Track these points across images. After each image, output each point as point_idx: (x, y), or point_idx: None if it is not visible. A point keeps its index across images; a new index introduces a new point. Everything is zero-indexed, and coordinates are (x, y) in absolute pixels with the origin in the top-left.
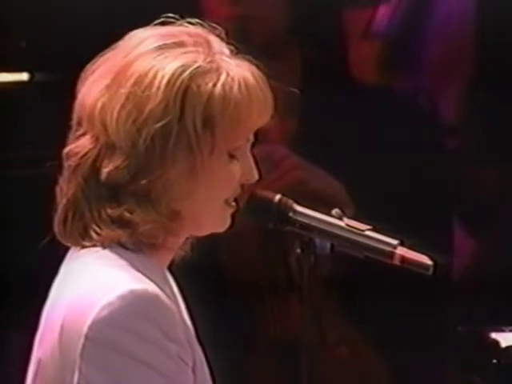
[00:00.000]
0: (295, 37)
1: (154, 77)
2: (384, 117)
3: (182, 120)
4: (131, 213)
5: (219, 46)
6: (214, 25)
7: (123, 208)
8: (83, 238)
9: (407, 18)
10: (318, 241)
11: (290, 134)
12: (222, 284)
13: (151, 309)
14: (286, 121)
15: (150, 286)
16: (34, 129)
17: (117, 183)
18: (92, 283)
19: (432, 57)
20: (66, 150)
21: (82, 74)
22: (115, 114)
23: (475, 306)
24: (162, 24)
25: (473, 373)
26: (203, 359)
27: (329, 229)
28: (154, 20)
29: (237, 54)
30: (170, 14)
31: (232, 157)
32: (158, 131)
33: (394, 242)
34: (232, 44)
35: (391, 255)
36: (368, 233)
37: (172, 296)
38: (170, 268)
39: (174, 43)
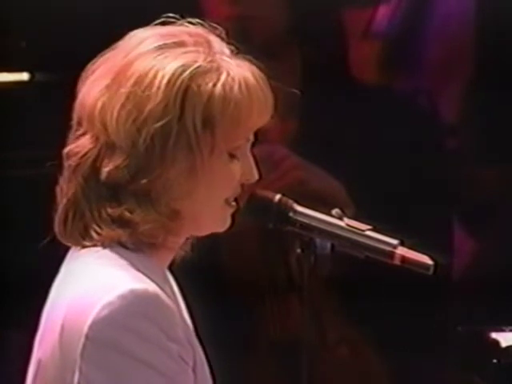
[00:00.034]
0: (295, 37)
1: (155, 76)
2: (384, 117)
3: (182, 120)
4: (131, 212)
5: (220, 46)
6: (215, 25)
7: (123, 208)
8: (83, 238)
9: (407, 17)
10: (318, 241)
11: (290, 133)
12: (222, 284)
13: (151, 308)
14: (286, 121)
15: (151, 286)
16: (33, 129)
17: (117, 183)
18: (92, 283)
19: (432, 57)
20: (66, 150)
21: (83, 74)
22: (115, 114)
23: (475, 305)
24: (163, 24)
25: (473, 373)
26: (203, 359)
27: (329, 229)
28: (154, 20)
29: (237, 54)
30: (171, 14)
31: (232, 156)
32: (157, 131)
33: (395, 241)
34: (232, 44)
35: (391, 255)
36: (368, 233)
37: (172, 295)
38: (170, 268)
39: (174, 43)
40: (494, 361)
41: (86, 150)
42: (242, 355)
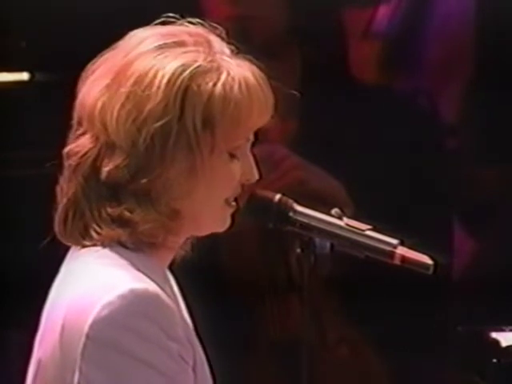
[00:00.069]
0: (295, 37)
1: (155, 76)
2: (384, 117)
3: (182, 119)
4: (131, 212)
5: (220, 46)
6: (215, 25)
7: (123, 207)
8: (84, 238)
9: (407, 17)
10: (318, 240)
11: (290, 133)
12: (222, 284)
13: (151, 308)
14: (286, 121)
15: (151, 286)
16: (33, 129)
17: (117, 182)
18: (92, 283)
19: (432, 57)
20: (66, 150)
21: (83, 74)
22: (115, 114)
23: (475, 305)
24: (163, 24)
25: (473, 373)
26: (203, 358)
27: (329, 228)
28: (154, 20)
29: (237, 53)
30: (171, 14)
31: (232, 156)
32: (157, 130)
33: (395, 241)
34: (232, 44)
35: (391, 255)
36: (368, 232)
37: (172, 295)
38: (170, 267)
39: (174, 43)
40: (494, 361)
41: (86, 149)
42: (241, 355)
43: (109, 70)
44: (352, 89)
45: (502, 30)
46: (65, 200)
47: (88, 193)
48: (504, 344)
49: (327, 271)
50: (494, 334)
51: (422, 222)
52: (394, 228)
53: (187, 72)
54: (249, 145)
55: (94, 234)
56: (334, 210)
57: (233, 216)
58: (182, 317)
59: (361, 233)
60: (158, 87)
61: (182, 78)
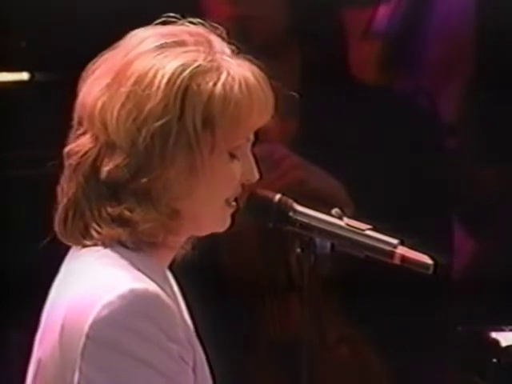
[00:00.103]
0: (295, 37)
1: (155, 76)
2: (384, 117)
3: (182, 119)
4: (131, 211)
5: (220, 46)
6: (215, 24)
7: (123, 207)
8: (84, 237)
9: (407, 17)
10: (318, 240)
11: (290, 133)
12: (222, 284)
13: (152, 308)
14: (286, 120)
15: (151, 286)
16: (33, 129)
17: (117, 182)
18: (93, 283)
19: (432, 57)
20: (66, 149)
21: (83, 74)
22: (115, 113)
23: (475, 305)
24: (163, 24)
25: (473, 373)
26: (204, 359)
27: (329, 228)
28: (154, 20)
29: (238, 53)
30: (171, 14)
31: (232, 156)
32: (157, 130)
33: (395, 241)
34: (233, 44)
35: (391, 254)
36: (368, 232)
37: (172, 295)
38: (170, 267)
39: (174, 42)
40: (494, 360)
41: (86, 149)
42: (241, 355)
43: (109, 70)
44: (352, 89)
45: (502, 30)
46: (65, 200)
47: (88, 192)
48: (504, 344)
49: (327, 271)
50: (493, 334)
51: (421, 222)
52: (394, 228)
53: (187, 72)
54: (249, 145)
55: (94, 234)
56: (335, 210)
57: (233, 216)
58: (182, 317)
59: (361, 233)
60: (158, 87)
61: (182, 77)
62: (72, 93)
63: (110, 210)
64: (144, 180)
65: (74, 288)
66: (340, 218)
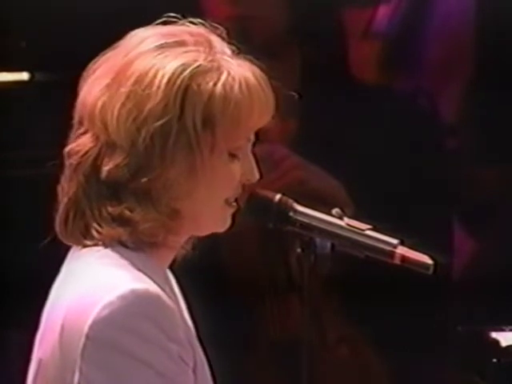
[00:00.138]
0: (295, 37)
1: (155, 76)
2: (384, 117)
3: (182, 119)
4: (131, 211)
5: (221, 46)
6: (216, 25)
7: (123, 206)
8: (85, 237)
9: (407, 17)
10: (318, 240)
11: (290, 133)
12: (222, 284)
13: (152, 309)
14: (286, 120)
15: (151, 286)
16: (33, 129)
17: (117, 181)
18: (93, 283)
19: (432, 57)
20: (67, 149)
21: (84, 74)
22: (115, 113)
23: (475, 306)
24: (164, 24)
25: (473, 373)
26: (204, 359)
27: (329, 228)
28: (154, 20)
29: (238, 54)
30: (172, 14)
31: (233, 156)
32: (157, 130)
33: (395, 241)
34: (233, 44)
35: (392, 254)
36: (368, 232)
37: (173, 296)
38: (171, 267)
39: (174, 42)
40: (494, 360)
41: (86, 148)
42: (241, 355)
43: (109, 70)
44: (352, 89)
45: (502, 30)
46: (65, 199)
47: (88, 192)
48: (504, 344)
49: (327, 271)
50: (493, 334)
51: (421, 222)
52: (394, 228)
53: (187, 71)
54: (249, 145)
55: (94, 233)
56: (335, 210)
57: (233, 216)
58: (182, 318)
59: (361, 232)
60: (158, 87)
61: (182, 77)
62: (72, 93)
63: (110, 209)
64: (144, 180)
65: (74, 288)
66: (340, 218)
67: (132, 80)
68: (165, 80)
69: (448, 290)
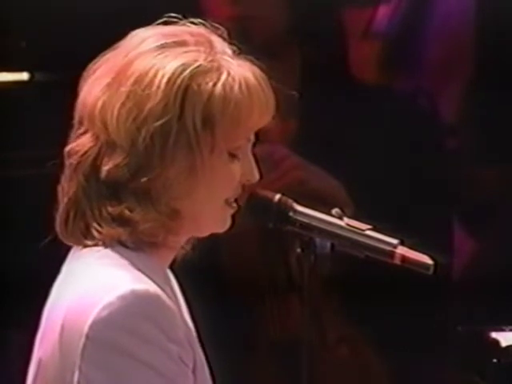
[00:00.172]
0: (295, 37)
1: (155, 75)
2: (384, 117)
3: (182, 119)
4: (131, 211)
5: (221, 46)
6: (216, 25)
7: (123, 206)
8: (85, 237)
9: (407, 17)
10: (318, 240)
11: (290, 133)
12: (222, 284)
13: (152, 309)
14: (286, 121)
15: (151, 286)
16: (34, 129)
17: (117, 181)
18: (93, 283)
19: (432, 57)
20: (67, 149)
21: (84, 73)
22: (115, 113)
23: (475, 305)
24: (165, 24)
25: (473, 373)
26: (204, 360)
27: (329, 228)
28: (154, 20)
29: (239, 54)
30: (173, 14)
31: (233, 156)
32: (157, 130)
33: (395, 241)
34: (234, 44)
35: (392, 254)
36: (368, 232)
37: (173, 296)
38: (171, 267)
39: (175, 42)
40: (494, 361)
41: (86, 148)
42: (242, 355)
43: (110, 70)
44: (352, 89)
45: (502, 30)
46: (66, 199)
47: (88, 192)
48: (504, 344)
49: (327, 271)
50: (493, 334)
51: (422, 222)
52: (394, 228)
53: (187, 71)
54: (250, 145)
55: (95, 233)
56: (335, 210)
57: (233, 217)
58: (182, 318)
59: (361, 232)
60: (158, 86)
61: (182, 77)
62: (72, 93)
63: (110, 209)
64: (144, 179)
65: (74, 288)
66: (340, 218)
67: (132, 80)
68: (165, 80)
69: (448, 290)
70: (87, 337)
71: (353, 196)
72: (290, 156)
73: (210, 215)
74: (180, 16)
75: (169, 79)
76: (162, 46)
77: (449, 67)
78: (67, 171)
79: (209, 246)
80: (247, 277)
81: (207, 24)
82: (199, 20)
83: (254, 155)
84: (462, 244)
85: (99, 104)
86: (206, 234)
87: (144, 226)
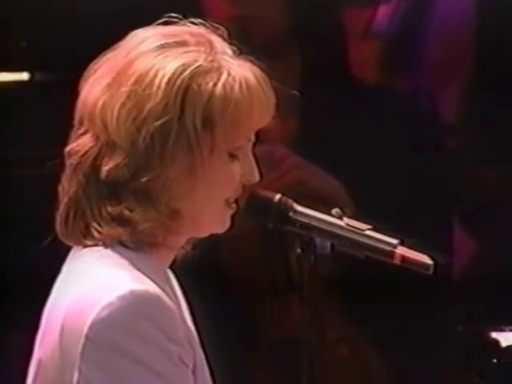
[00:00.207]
0: (295, 37)
1: (155, 76)
2: (384, 117)
3: (182, 119)
4: (131, 211)
5: (221, 46)
6: (217, 25)
7: (123, 206)
8: (85, 237)
9: (407, 17)
10: (318, 240)
11: (290, 133)
12: (222, 284)
13: (152, 309)
14: (286, 121)
15: (151, 287)
16: (34, 129)
17: (117, 181)
18: (93, 283)
19: (432, 57)
20: (67, 149)
21: (85, 73)
22: (115, 113)
23: (475, 305)
24: (165, 24)
25: (473, 373)
26: (204, 360)
27: (329, 228)
28: (154, 20)
29: (239, 54)
30: (173, 14)
31: (233, 157)
32: (157, 130)
33: (395, 241)
34: (234, 44)
35: (391, 254)
36: (368, 232)
37: (173, 296)
38: (171, 267)
39: (175, 42)
40: (494, 361)
41: (86, 148)
42: (242, 355)
43: (110, 70)
44: (352, 89)
45: (502, 30)
46: (66, 199)
47: (88, 192)
48: (504, 344)
49: (327, 271)
50: (493, 334)
51: (421, 222)
52: (394, 228)
53: (188, 72)
54: (250, 145)
55: (95, 233)
56: (335, 210)
57: (233, 217)
58: (182, 318)
59: (361, 233)
60: (159, 87)
61: (182, 77)
62: (72, 93)
63: (110, 209)
64: (144, 179)
65: (74, 288)
66: (340, 217)
67: (132, 80)
68: (165, 80)
69: (448, 290)
70: (87, 337)
71: (353, 196)
72: (290, 156)
73: (210, 215)
74: (180, 16)
75: (169, 79)
76: (163, 46)
77: (449, 67)
78: (67, 171)
79: (209, 246)
80: (247, 277)
81: (207, 24)
82: (199, 20)
83: (254, 155)
84: (462, 244)
85: (99, 104)
86: (205, 234)
87: (144, 226)
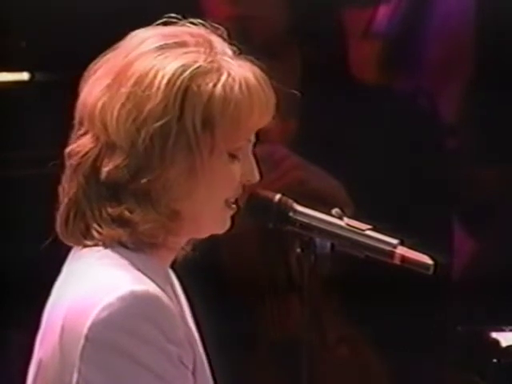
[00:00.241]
0: (295, 37)
1: (155, 76)
2: (384, 117)
3: (182, 120)
4: (131, 212)
5: (221, 47)
6: (217, 25)
7: (123, 207)
8: (85, 238)
9: (407, 17)
10: (318, 240)
11: (290, 133)
12: (222, 284)
13: (152, 310)
14: (286, 121)
15: (151, 287)
16: (33, 129)
17: (117, 182)
18: (93, 284)
19: (432, 57)
20: (67, 150)
21: (85, 74)
22: (115, 114)
23: (475, 305)
24: (165, 24)
25: (473, 373)
26: (204, 361)
27: (329, 228)
28: (154, 20)
29: (239, 54)
30: (173, 14)
31: (233, 157)
32: (157, 131)
33: (395, 241)
34: (234, 44)
35: (391, 254)
36: (368, 232)
37: (174, 296)
38: (172, 268)
39: (175, 43)
40: (494, 361)
41: (86, 149)
42: (242, 355)
43: (110, 70)
44: (352, 89)
45: (502, 30)
46: (66, 200)
47: (88, 193)
48: (504, 344)
49: (327, 271)
50: (494, 334)
51: (422, 222)
52: (394, 228)
53: (187, 72)
54: (250, 145)
55: (95, 234)
56: (335, 210)
57: (233, 217)
58: (183, 318)
59: (361, 232)
60: (158, 87)
61: (182, 78)
62: (72, 93)
63: (110, 210)
64: (144, 180)
65: (74, 289)
66: (340, 218)
67: (132, 81)
68: (165, 81)
69: (448, 290)
70: (86, 338)
71: (353, 196)
72: (290, 156)
73: (210, 216)
74: (180, 16)
75: (169, 80)
76: (162, 47)
77: (449, 67)
78: (67, 172)
79: (209, 246)
80: (247, 277)
81: (207, 24)
82: (199, 20)
83: (254, 155)
84: (461, 244)
85: (99, 105)
86: (205, 234)
87: (144, 227)
